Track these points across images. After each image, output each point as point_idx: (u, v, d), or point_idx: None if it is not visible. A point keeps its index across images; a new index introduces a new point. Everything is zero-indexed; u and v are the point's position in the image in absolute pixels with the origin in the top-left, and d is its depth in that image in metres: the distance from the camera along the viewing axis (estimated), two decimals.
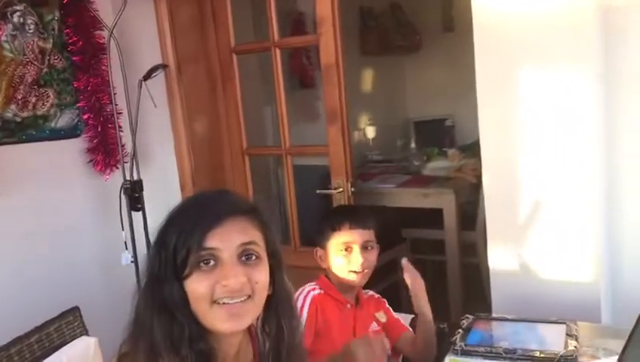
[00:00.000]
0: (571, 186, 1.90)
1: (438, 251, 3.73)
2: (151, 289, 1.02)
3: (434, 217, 3.53)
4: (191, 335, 1.00)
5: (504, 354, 1.54)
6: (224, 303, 1.00)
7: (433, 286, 3.83)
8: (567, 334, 1.60)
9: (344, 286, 1.76)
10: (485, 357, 1.55)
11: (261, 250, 1.05)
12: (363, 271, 1.72)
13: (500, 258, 2.07)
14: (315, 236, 1.82)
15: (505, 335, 1.66)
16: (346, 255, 1.71)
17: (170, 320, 1.00)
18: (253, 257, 1.03)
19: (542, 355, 1.51)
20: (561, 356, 1.49)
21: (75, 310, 1.87)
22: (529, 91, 1.92)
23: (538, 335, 1.65)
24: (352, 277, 1.72)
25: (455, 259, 3.45)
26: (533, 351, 1.54)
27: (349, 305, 1.76)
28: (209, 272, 1.00)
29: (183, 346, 0.99)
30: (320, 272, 1.82)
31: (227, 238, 1.01)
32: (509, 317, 1.78)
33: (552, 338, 1.60)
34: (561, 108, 1.88)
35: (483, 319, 1.78)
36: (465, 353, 1.58)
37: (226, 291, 1.00)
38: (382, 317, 1.85)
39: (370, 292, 1.90)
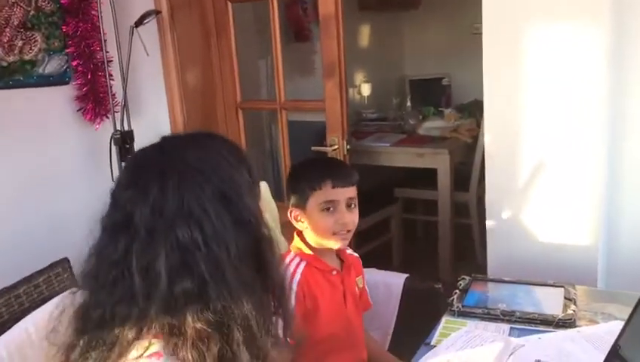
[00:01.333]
0: (573, 148, 1.87)
1: (430, 211, 3.72)
2: None
3: (427, 177, 3.50)
4: None
5: (502, 316, 1.52)
6: None
7: (424, 246, 3.90)
8: (565, 297, 1.58)
9: (324, 249, 1.60)
10: (483, 319, 1.54)
11: None
12: (348, 231, 1.56)
13: (497, 218, 2.04)
14: (289, 194, 1.61)
15: (502, 297, 1.64)
16: (329, 215, 1.54)
17: None
18: None
19: (540, 318, 1.50)
20: (559, 319, 1.48)
21: (64, 261, 1.83)
22: (536, 48, 1.86)
23: (536, 298, 1.63)
24: (335, 242, 1.56)
25: (447, 220, 3.44)
26: (531, 313, 1.52)
27: (334, 272, 1.61)
28: None
29: None
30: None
31: None
32: (507, 279, 1.76)
33: (550, 301, 1.59)
34: (568, 66, 1.82)
35: (480, 280, 1.76)
36: (462, 314, 1.56)
37: None
38: (360, 282, 1.72)
39: (349, 251, 1.74)
